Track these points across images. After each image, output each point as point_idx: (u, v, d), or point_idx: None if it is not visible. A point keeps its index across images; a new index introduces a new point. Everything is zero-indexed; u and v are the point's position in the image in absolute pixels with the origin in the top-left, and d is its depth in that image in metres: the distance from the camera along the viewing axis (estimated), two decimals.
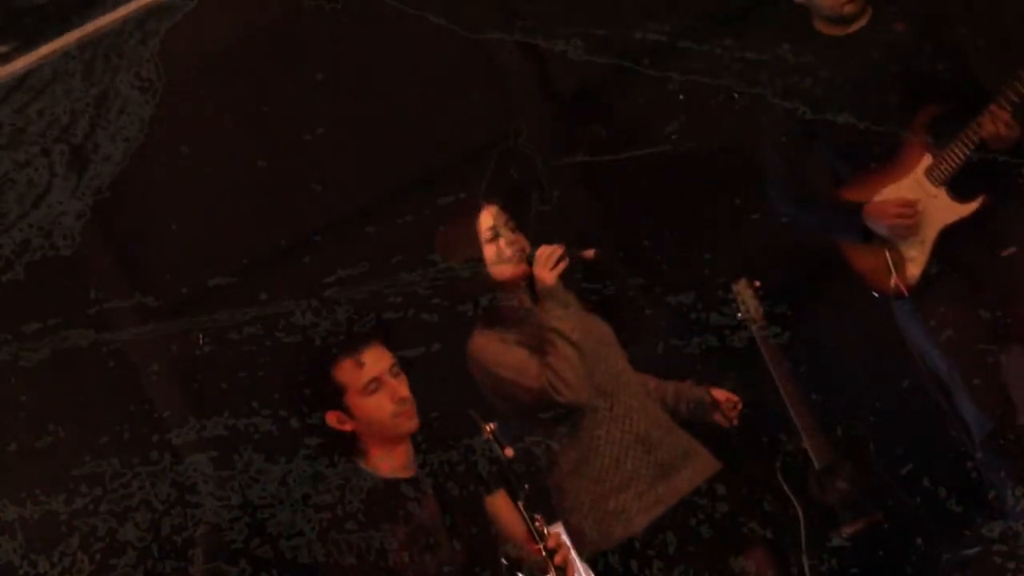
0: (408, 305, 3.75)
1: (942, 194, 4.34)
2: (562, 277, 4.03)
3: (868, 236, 4.39)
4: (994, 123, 4.14)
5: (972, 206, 4.32)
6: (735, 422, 4.12)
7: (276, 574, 3.44)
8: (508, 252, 4.04)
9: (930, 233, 4.39)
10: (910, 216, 4.35)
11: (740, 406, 4.09)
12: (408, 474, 3.71)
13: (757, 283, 4.52)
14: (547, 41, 3.75)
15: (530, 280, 4.06)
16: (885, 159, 4.34)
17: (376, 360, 3.65)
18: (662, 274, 4.03)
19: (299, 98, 4.19)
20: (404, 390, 3.69)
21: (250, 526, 3.39)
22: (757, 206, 4.46)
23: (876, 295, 4.42)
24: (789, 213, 4.46)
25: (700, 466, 4.00)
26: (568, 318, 3.98)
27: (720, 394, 4.12)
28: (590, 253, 4.00)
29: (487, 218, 4.06)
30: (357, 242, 4.26)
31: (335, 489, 3.56)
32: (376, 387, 3.63)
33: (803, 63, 3.84)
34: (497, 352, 3.99)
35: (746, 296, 4.50)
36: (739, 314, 4.47)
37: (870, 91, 4.19)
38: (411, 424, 3.68)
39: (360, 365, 3.63)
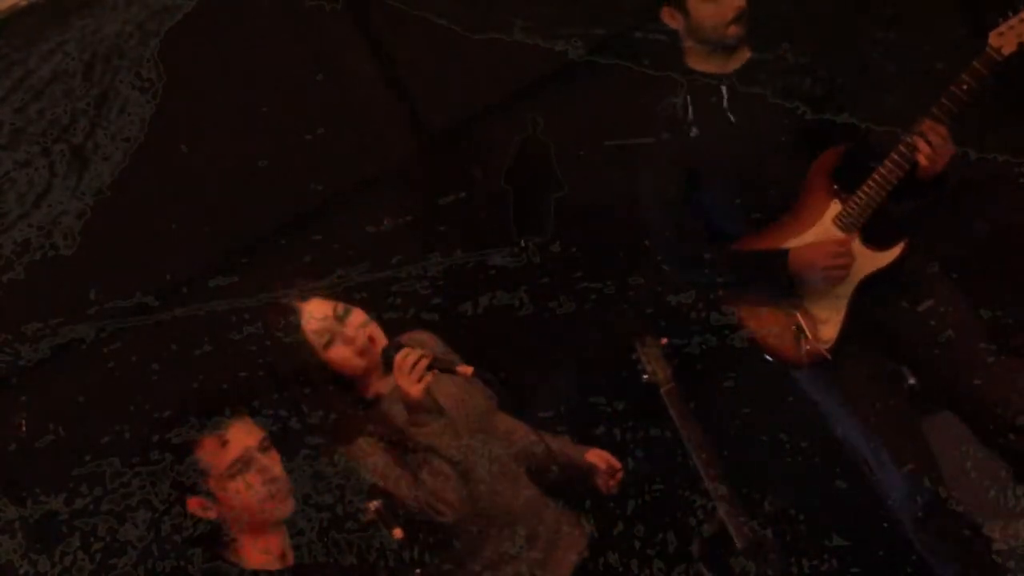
0: (409, 305, 3.72)
1: (856, 243, 3.88)
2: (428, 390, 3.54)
3: (787, 292, 3.90)
4: (931, 140, 3.70)
5: (892, 253, 3.89)
6: (614, 490, 3.69)
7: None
8: (352, 349, 3.58)
9: (846, 288, 3.90)
10: (847, 256, 3.85)
11: (620, 475, 3.67)
12: (281, 565, 3.27)
13: (663, 340, 4.03)
14: (547, 41, 3.75)
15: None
16: (783, 210, 3.90)
17: (243, 436, 3.23)
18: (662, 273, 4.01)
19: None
20: (276, 469, 3.25)
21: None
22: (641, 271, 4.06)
23: (771, 360, 3.94)
24: (689, 274, 3.98)
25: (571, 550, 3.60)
26: (444, 432, 3.55)
27: (597, 457, 3.72)
28: (468, 370, 3.57)
29: (313, 321, 3.62)
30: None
31: None
32: (243, 467, 3.21)
33: (803, 63, 3.83)
34: (367, 458, 3.55)
35: (651, 355, 4.02)
36: (644, 376, 3.98)
37: (755, 141, 3.82)
38: (284, 507, 3.25)
39: (223, 444, 3.20)
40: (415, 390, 3.51)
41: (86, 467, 3.34)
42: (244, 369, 3.61)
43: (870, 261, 3.88)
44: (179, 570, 3.06)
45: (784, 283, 3.87)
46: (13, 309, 3.48)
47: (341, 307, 3.61)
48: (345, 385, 3.62)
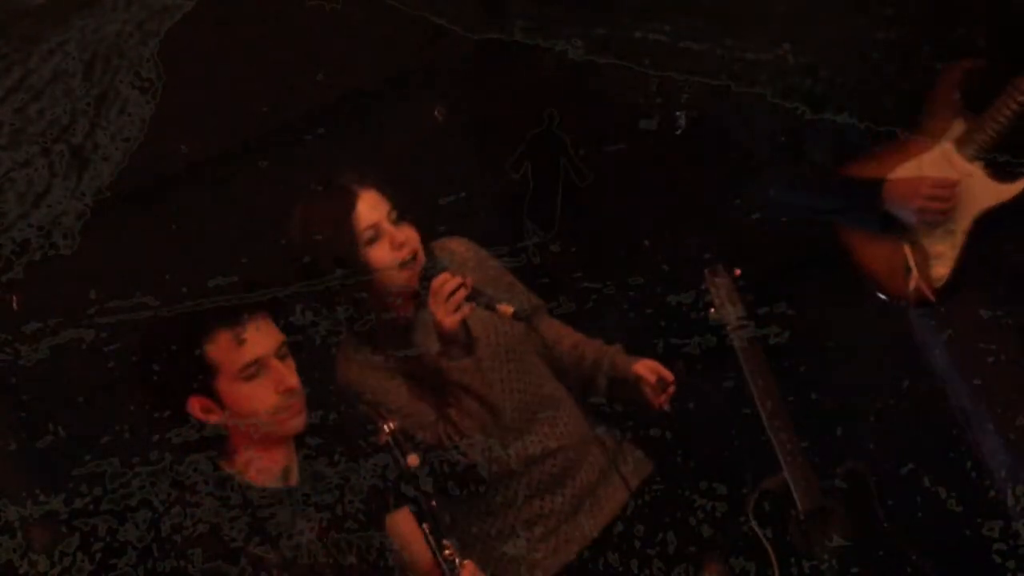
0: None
1: (977, 171, 3.51)
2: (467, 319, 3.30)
3: (886, 223, 3.61)
4: None
5: (1017, 187, 3.51)
6: (665, 406, 3.46)
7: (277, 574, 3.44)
8: (396, 256, 3.32)
9: (962, 223, 3.55)
10: (946, 198, 3.52)
11: (672, 388, 3.44)
12: (286, 484, 3.07)
13: (737, 271, 3.68)
14: (547, 41, 3.75)
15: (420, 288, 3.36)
16: (904, 123, 3.59)
17: (261, 337, 2.98)
18: (662, 273, 4.01)
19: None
20: (292, 379, 3.03)
21: (250, 526, 3.38)
22: (736, 192, 3.85)
23: (887, 299, 3.68)
24: (784, 199, 3.71)
25: (619, 489, 3.48)
26: (477, 369, 3.31)
27: (645, 368, 3.48)
28: (508, 310, 3.34)
29: (367, 212, 3.35)
30: None
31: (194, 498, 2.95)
32: (257, 372, 2.97)
33: (803, 63, 3.83)
34: (378, 389, 3.31)
35: (722, 289, 3.64)
36: (711, 310, 3.63)
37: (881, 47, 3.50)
38: (296, 422, 3.05)
39: (240, 342, 2.95)
40: (450, 320, 3.27)
41: (86, 467, 3.34)
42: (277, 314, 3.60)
43: (992, 193, 3.53)
44: (179, 570, 3.06)
45: (878, 216, 3.59)
46: (13, 309, 3.48)
47: (395, 214, 3.39)
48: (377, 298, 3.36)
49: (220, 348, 2.94)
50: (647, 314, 3.86)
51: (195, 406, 2.98)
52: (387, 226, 3.35)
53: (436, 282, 3.30)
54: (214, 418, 2.98)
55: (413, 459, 3.12)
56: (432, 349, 3.37)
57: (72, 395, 3.76)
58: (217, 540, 2.97)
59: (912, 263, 3.62)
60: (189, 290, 3.40)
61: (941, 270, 3.62)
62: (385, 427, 3.11)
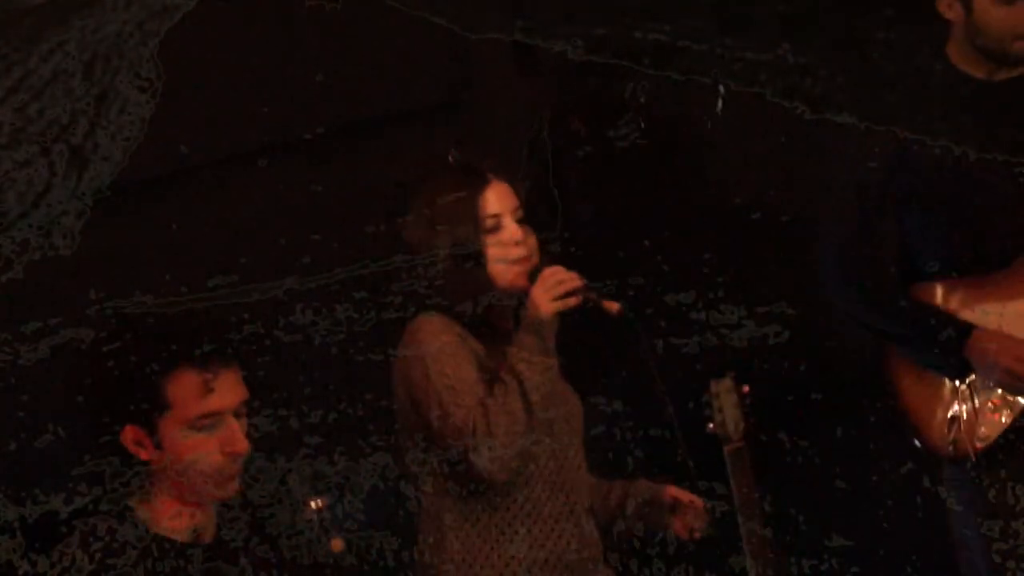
0: (408, 303, 3.70)
1: None
2: (562, 316, 3.19)
3: (961, 370, 3.26)
4: None
5: None
6: (697, 535, 3.30)
7: (276, 574, 3.44)
8: (513, 251, 3.24)
9: None
10: None
11: (707, 517, 3.27)
12: (197, 540, 2.84)
13: (745, 388, 3.39)
14: (547, 41, 3.75)
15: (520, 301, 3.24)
16: (1000, 260, 3.24)
17: (229, 390, 2.80)
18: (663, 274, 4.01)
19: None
20: (243, 443, 2.82)
21: (250, 526, 3.39)
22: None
23: (919, 445, 3.34)
24: (852, 308, 3.38)
25: None
26: (539, 367, 3.12)
27: (681, 493, 3.34)
28: (614, 306, 3.21)
29: (493, 199, 3.28)
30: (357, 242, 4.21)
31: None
32: (211, 425, 2.77)
33: (803, 63, 3.82)
34: (445, 351, 3.15)
35: (726, 404, 3.37)
36: (710, 425, 3.36)
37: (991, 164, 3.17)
38: (228, 488, 2.84)
39: (208, 390, 2.76)
40: (548, 306, 3.15)
41: (86, 467, 3.34)
42: (244, 369, 3.61)
43: None
44: (179, 570, 3.06)
45: (955, 362, 3.27)
46: (13, 309, 3.48)
47: (521, 213, 3.29)
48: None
49: (182, 388, 2.76)
50: (647, 314, 3.86)
51: (129, 435, 2.81)
52: (509, 220, 3.28)
53: (549, 269, 3.22)
54: (144, 455, 2.80)
55: (337, 543, 2.93)
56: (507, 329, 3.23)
57: (72, 395, 3.76)
58: None
59: (963, 413, 3.30)
60: (190, 290, 3.41)
61: (991, 430, 3.29)
62: (312, 503, 2.94)
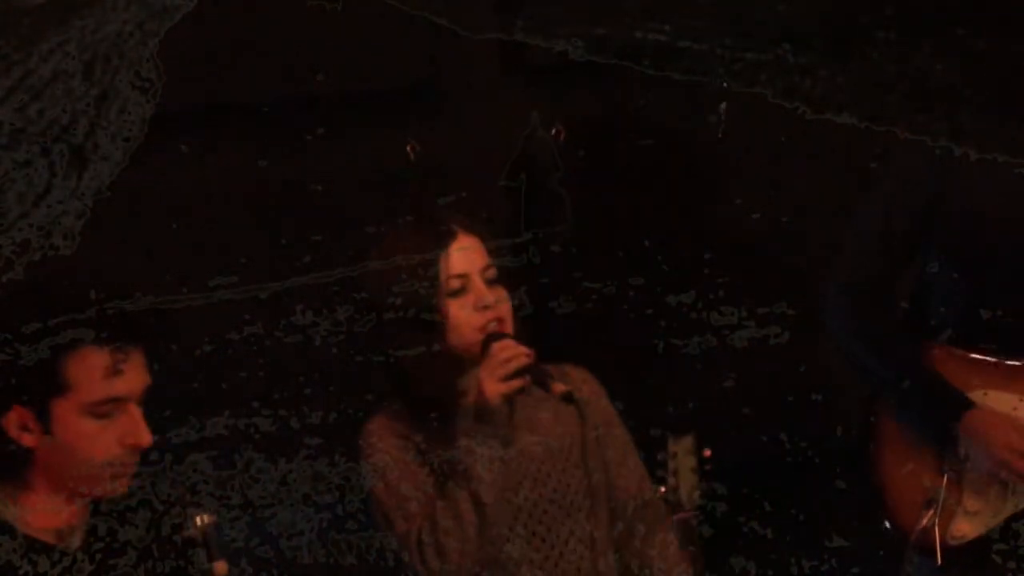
0: (408, 305, 3.68)
1: None
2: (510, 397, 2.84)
3: (947, 444, 3.01)
4: None
5: None
6: None
7: (276, 574, 3.44)
8: (479, 317, 2.95)
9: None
10: None
11: None
12: (62, 543, 2.56)
13: (707, 452, 3.09)
14: (547, 41, 3.75)
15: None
16: (1008, 346, 2.94)
17: (137, 375, 2.53)
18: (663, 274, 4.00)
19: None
20: (146, 435, 2.54)
21: (250, 526, 3.39)
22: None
23: (888, 527, 3.12)
24: (854, 348, 3.09)
25: None
26: (490, 461, 2.78)
27: None
28: (560, 388, 2.90)
29: (460, 259, 3.00)
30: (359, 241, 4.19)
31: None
32: (111, 412, 2.49)
33: (803, 63, 3.82)
34: (387, 461, 2.88)
35: (683, 465, 3.07)
36: (661, 488, 3.05)
37: None
38: (118, 484, 2.56)
39: (115, 372, 2.48)
40: (493, 390, 2.84)
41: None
42: (244, 369, 3.61)
43: None
44: (179, 570, 3.06)
45: (946, 437, 3.00)
46: (13, 309, 3.48)
47: (493, 272, 3.04)
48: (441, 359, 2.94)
49: (85, 368, 2.47)
50: (647, 314, 3.86)
51: (13, 418, 2.48)
52: (477, 281, 3.03)
53: (497, 345, 2.91)
54: (28, 440, 2.47)
55: (221, 566, 2.62)
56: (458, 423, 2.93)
57: None
58: None
59: (939, 499, 3.02)
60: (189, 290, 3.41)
61: (967, 528, 3.06)
62: (198, 519, 2.63)
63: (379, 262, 3.10)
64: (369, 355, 3.42)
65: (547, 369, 2.97)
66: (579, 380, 3.17)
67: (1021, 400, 3.00)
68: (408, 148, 3.61)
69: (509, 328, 3.04)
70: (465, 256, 3.02)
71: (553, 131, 3.89)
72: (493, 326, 2.99)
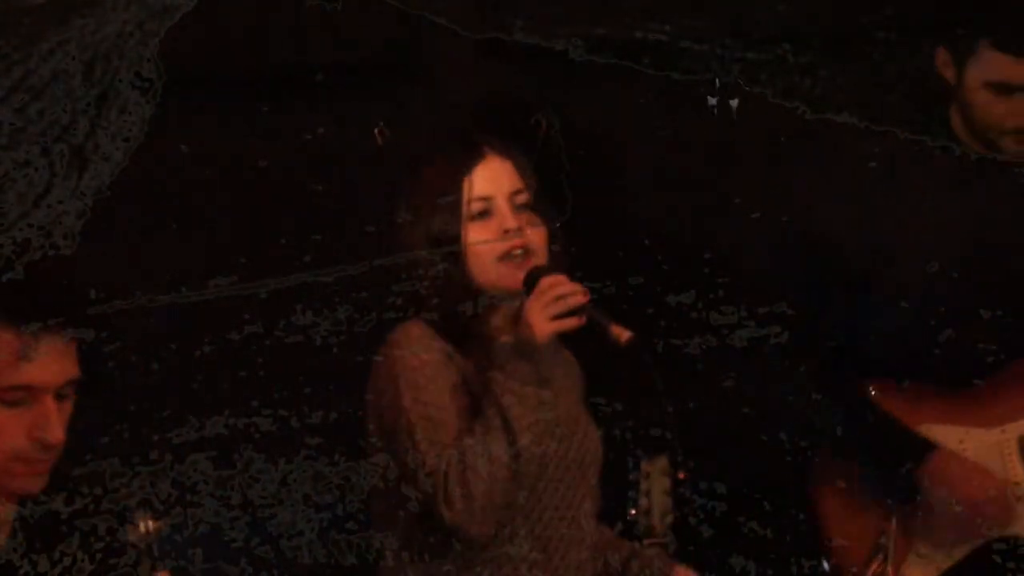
0: (408, 305, 3.68)
1: None
2: (564, 338, 2.62)
3: (906, 494, 2.86)
4: None
5: None
6: None
7: (276, 574, 3.44)
8: (499, 245, 2.71)
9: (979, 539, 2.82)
10: (1001, 509, 2.74)
11: None
12: None
13: (682, 474, 2.88)
14: (547, 41, 3.75)
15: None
16: (962, 377, 2.83)
17: (53, 363, 2.29)
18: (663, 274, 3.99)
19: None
20: (58, 431, 2.33)
21: (250, 526, 3.39)
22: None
23: (825, 568, 2.97)
24: (796, 398, 2.98)
25: None
26: (531, 402, 2.55)
27: (685, 570, 2.87)
28: (624, 334, 2.67)
29: (484, 178, 2.74)
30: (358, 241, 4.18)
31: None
32: (22, 400, 2.28)
33: (803, 63, 3.82)
34: (424, 372, 2.60)
35: (655, 488, 2.83)
36: (631, 510, 2.81)
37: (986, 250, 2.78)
38: (30, 483, 2.36)
39: (24, 356, 2.24)
40: (544, 327, 2.59)
41: (86, 467, 3.34)
42: (244, 369, 3.61)
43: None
44: (179, 570, 3.06)
45: (904, 484, 2.87)
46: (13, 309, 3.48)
47: (524, 197, 2.76)
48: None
49: None
50: (647, 314, 3.85)
51: None
52: (503, 205, 2.77)
53: (548, 279, 2.67)
54: None
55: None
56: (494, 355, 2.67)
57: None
58: None
59: (890, 544, 2.88)
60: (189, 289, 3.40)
61: (917, 572, 2.91)
62: (141, 524, 2.40)
63: (410, 184, 2.88)
64: (369, 355, 3.42)
65: (605, 311, 2.73)
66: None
67: (967, 432, 2.90)
68: (376, 132, 3.37)
69: (542, 260, 2.80)
70: (491, 177, 2.78)
71: (535, 121, 3.78)
72: (519, 256, 2.74)
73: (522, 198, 2.83)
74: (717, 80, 3.33)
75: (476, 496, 2.56)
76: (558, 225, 3.13)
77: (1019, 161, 3.66)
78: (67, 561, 2.96)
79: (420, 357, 2.69)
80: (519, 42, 3.71)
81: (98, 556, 2.94)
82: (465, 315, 2.71)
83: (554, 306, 2.64)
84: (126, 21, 3.26)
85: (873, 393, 2.96)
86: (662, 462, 2.94)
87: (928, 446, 2.86)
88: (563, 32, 3.77)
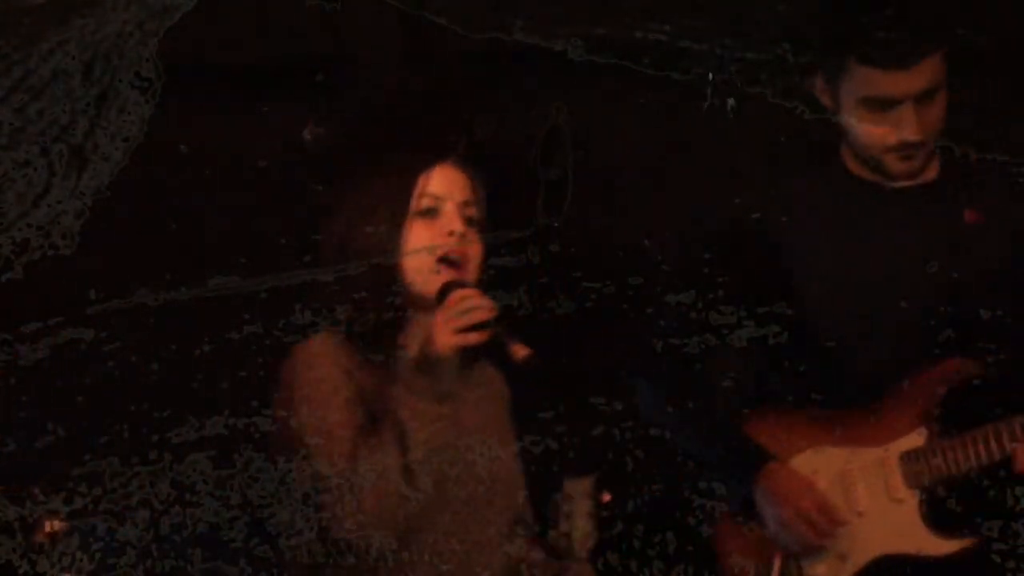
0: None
1: (911, 503, 2.76)
2: (468, 352, 2.57)
3: (745, 509, 2.87)
4: None
5: (948, 546, 2.79)
6: None
7: (276, 574, 3.44)
8: (442, 241, 2.65)
9: (861, 555, 2.79)
10: (824, 532, 2.73)
11: None
12: None
13: (607, 496, 2.89)
14: (547, 41, 3.75)
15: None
16: (842, 400, 2.84)
17: None
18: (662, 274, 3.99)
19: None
20: None
21: (250, 526, 3.39)
22: None
23: None
24: (664, 424, 2.97)
25: None
26: (427, 417, 2.49)
27: None
28: (522, 352, 2.61)
29: (440, 179, 2.72)
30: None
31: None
32: None
33: (803, 63, 3.82)
34: (320, 388, 2.56)
35: (577, 510, 2.72)
36: (551, 532, 2.69)
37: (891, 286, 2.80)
38: None
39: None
40: (447, 340, 2.55)
41: (86, 467, 3.35)
42: (244, 369, 3.61)
43: (915, 538, 2.77)
44: (179, 570, 3.06)
45: (741, 495, 2.88)
46: (13, 309, 3.48)
47: (473, 212, 2.73)
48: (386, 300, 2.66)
49: None
50: (647, 314, 3.85)
51: None
52: (452, 209, 2.73)
53: (457, 293, 2.63)
54: None
55: None
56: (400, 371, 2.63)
57: (72, 395, 3.76)
58: None
59: (773, 570, 2.86)
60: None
61: None
62: (47, 524, 2.33)
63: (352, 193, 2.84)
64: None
65: (509, 329, 2.68)
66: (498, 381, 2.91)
67: (854, 452, 2.87)
68: (306, 130, 3.41)
69: (472, 277, 2.76)
70: (447, 181, 2.75)
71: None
72: (456, 262, 2.68)
73: (471, 211, 2.81)
74: (712, 76, 3.26)
75: (365, 510, 2.54)
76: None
77: (1020, 160, 3.65)
78: (66, 561, 2.97)
79: (317, 372, 2.66)
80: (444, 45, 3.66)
81: (97, 556, 2.95)
82: (378, 328, 2.67)
83: (458, 319, 2.60)
84: (126, 21, 3.26)
85: (758, 418, 2.93)
86: (586, 484, 2.86)
87: (764, 457, 2.85)
88: (563, 32, 3.77)
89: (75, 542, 2.82)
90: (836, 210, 2.99)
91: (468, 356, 2.68)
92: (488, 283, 3.27)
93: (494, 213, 3.81)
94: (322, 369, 2.65)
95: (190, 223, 4.11)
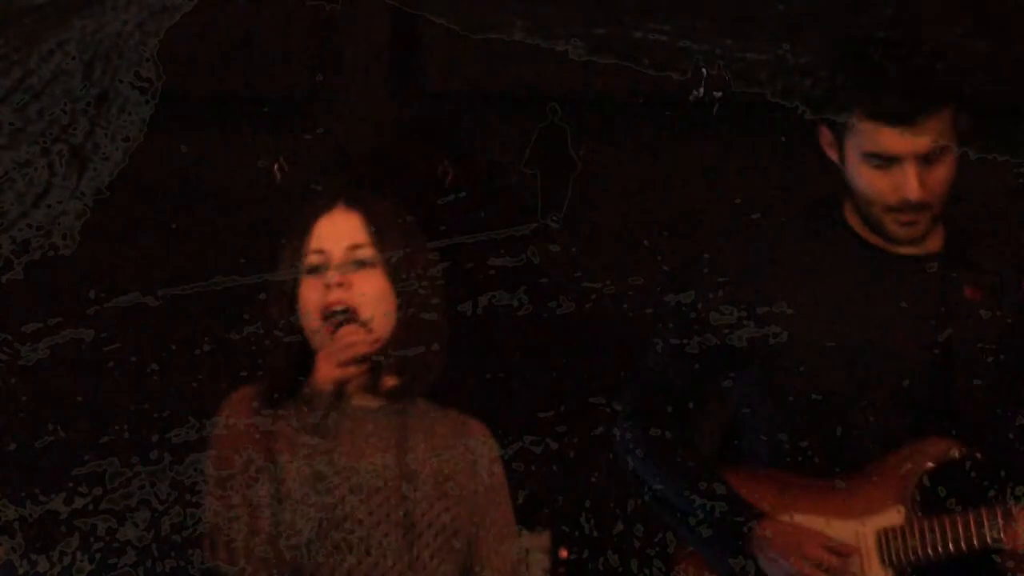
0: (408, 305, 3.67)
1: None
2: (353, 385, 2.65)
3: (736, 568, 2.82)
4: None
5: None
6: None
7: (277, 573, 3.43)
8: (321, 300, 2.67)
9: None
10: (835, 569, 2.69)
11: None
12: None
13: (564, 552, 2.76)
14: (547, 41, 3.75)
15: None
16: (821, 467, 2.81)
17: None
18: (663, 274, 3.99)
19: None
20: None
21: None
22: None
23: None
24: (641, 469, 2.97)
25: None
26: (304, 450, 2.58)
27: None
28: (390, 383, 2.69)
29: (326, 230, 2.73)
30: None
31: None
32: None
33: (803, 63, 3.82)
34: (223, 436, 2.67)
35: (534, 563, 2.67)
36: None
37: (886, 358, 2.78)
38: None
39: None
40: (328, 372, 2.63)
41: (86, 467, 3.34)
42: (244, 369, 3.60)
43: None
44: (179, 570, 3.06)
45: (732, 553, 2.84)
46: (13, 309, 3.48)
47: (368, 252, 2.73)
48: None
49: None
50: (647, 314, 3.85)
51: None
52: (338, 257, 2.76)
53: (345, 328, 2.69)
54: None
55: None
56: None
57: (72, 395, 3.76)
58: None
59: None
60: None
61: None
62: None
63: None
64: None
65: (385, 363, 2.72)
66: (478, 433, 2.93)
67: (828, 523, 2.83)
68: (275, 167, 3.47)
69: (371, 311, 2.76)
70: (331, 231, 2.76)
71: (440, 170, 3.75)
72: (339, 314, 2.71)
73: (363, 253, 2.79)
74: (704, 71, 3.27)
75: (236, 545, 2.58)
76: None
77: (1020, 160, 3.65)
78: (66, 561, 2.97)
79: (228, 422, 2.74)
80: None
81: (97, 556, 2.95)
82: (290, 377, 2.73)
83: (339, 354, 2.67)
84: (126, 21, 3.26)
85: (736, 477, 2.92)
86: (544, 538, 2.84)
87: (754, 514, 2.83)
88: (563, 32, 3.77)
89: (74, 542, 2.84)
90: (833, 268, 2.99)
91: (342, 391, 2.71)
92: (488, 283, 3.30)
93: (493, 214, 3.84)
94: (235, 418, 2.74)
95: (190, 223, 4.12)
